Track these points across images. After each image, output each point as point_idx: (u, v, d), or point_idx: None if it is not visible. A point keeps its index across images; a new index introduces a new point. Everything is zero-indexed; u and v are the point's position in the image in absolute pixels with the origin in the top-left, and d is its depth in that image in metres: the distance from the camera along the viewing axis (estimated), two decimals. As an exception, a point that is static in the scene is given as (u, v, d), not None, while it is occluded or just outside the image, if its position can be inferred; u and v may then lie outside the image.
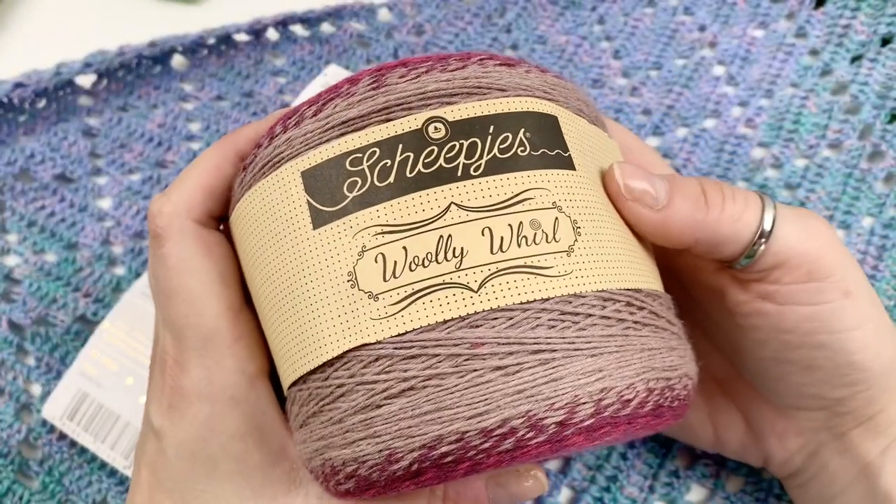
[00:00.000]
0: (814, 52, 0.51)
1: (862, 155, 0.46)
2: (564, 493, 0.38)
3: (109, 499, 0.40)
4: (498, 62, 0.28)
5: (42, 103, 0.49)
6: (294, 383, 0.27)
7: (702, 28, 0.52)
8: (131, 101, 0.50)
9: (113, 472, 0.40)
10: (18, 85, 0.48)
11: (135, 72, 0.51)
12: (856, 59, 0.50)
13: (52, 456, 0.41)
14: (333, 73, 0.50)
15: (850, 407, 0.31)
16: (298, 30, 0.53)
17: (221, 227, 0.32)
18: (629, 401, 0.26)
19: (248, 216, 0.29)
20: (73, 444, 0.41)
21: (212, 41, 0.52)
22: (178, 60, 0.52)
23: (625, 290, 0.27)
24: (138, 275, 0.44)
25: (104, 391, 0.40)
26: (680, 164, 0.47)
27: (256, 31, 0.52)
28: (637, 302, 0.27)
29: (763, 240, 0.29)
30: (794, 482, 0.35)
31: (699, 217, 0.29)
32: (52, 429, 0.41)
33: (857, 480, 0.32)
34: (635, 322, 0.27)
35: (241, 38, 0.53)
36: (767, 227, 0.29)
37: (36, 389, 0.42)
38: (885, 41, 0.50)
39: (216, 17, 0.54)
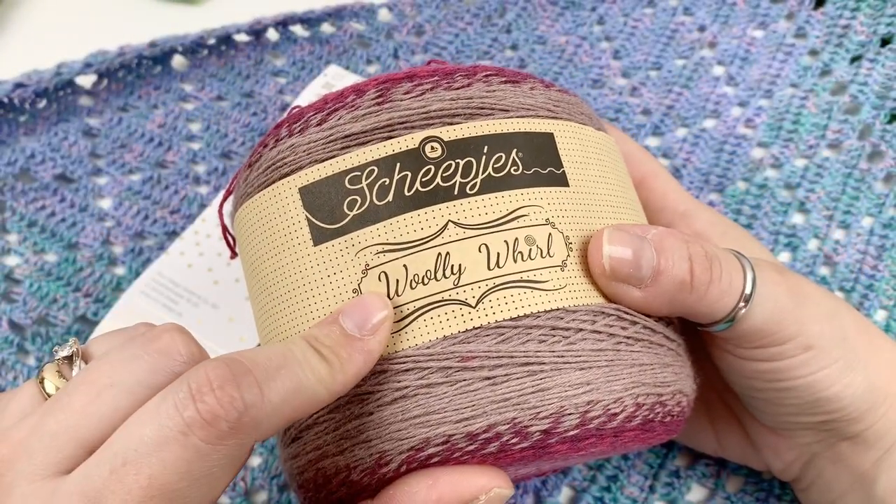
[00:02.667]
0: (813, 53, 0.51)
1: (861, 155, 0.46)
2: (565, 493, 0.38)
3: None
4: (503, 79, 0.28)
5: (42, 103, 0.49)
6: None
7: (701, 28, 0.52)
8: (131, 102, 0.50)
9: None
10: (19, 85, 0.47)
11: (135, 72, 0.51)
12: (855, 59, 0.50)
13: (53, 456, 0.41)
14: (333, 74, 0.50)
15: (833, 427, 0.31)
16: (298, 30, 0.53)
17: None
18: (616, 414, 0.26)
19: (249, 224, 0.29)
20: (73, 444, 0.41)
21: (212, 41, 0.52)
22: (178, 61, 0.52)
23: (616, 304, 0.27)
24: (138, 274, 0.44)
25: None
26: (680, 164, 0.47)
27: (256, 31, 0.52)
28: (629, 316, 0.27)
29: (735, 321, 0.29)
30: (797, 487, 0.35)
31: (681, 298, 0.28)
32: (52, 429, 0.41)
33: (853, 488, 0.32)
34: (627, 337, 0.27)
35: (241, 38, 0.53)
36: (742, 311, 0.29)
37: (36, 389, 0.42)
38: (885, 41, 0.50)
39: (216, 17, 0.54)
